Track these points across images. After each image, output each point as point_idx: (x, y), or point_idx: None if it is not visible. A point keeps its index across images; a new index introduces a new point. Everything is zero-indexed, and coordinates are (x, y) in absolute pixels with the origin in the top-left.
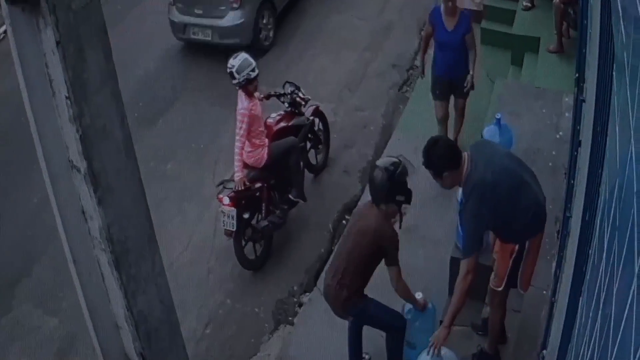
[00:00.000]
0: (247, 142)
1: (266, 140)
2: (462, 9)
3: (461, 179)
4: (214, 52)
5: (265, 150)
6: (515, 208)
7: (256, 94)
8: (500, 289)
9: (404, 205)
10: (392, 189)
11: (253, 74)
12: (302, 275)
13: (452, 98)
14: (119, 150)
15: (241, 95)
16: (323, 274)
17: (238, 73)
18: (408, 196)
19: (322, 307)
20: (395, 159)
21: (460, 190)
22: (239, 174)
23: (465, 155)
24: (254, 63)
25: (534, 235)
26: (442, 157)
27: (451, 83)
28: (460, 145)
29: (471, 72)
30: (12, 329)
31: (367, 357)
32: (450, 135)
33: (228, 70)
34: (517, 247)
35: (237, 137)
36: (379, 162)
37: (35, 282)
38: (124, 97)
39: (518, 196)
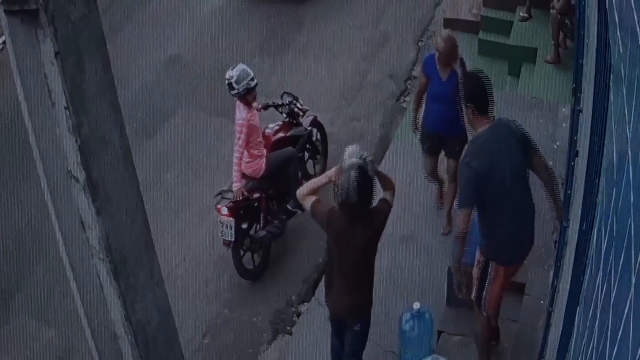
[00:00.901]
0: (245, 153)
1: (264, 150)
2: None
3: (474, 126)
4: (212, 63)
5: (264, 160)
6: (502, 203)
7: (254, 105)
8: (485, 315)
9: None
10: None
11: (252, 84)
12: (300, 285)
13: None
14: (117, 160)
15: (239, 105)
16: (321, 284)
17: (237, 83)
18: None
19: (320, 316)
20: (356, 158)
21: (457, 200)
22: (237, 185)
23: (494, 117)
24: (252, 73)
25: (515, 260)
26: (474, 90)
27: (443, 140)
28: (452, 216)
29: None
30: (8, 340)
31: None
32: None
33: (226, 81)
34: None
35: (236, 148)
36: (351, 165)
37: (31, 293)
38: (123, 108)
39: (507, 193)
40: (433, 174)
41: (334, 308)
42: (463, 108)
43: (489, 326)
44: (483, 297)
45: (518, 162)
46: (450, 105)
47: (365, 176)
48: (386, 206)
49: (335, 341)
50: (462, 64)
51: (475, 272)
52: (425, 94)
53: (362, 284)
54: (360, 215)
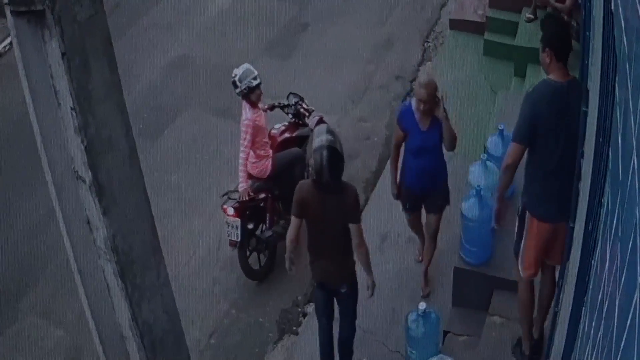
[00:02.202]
0: (251, 153)
1: (270, 151)
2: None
3: (548, 72)
4: (218, 64)
5: (270, 161)
6: (551, 157)
7: (260, 105)
8: (522, 275)
9: None
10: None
11: (255, 82)
12: (306, 286)
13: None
14: (124, 161)
15: (245, 106)
16: None
17: (240, 82)
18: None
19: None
20: (324, 135)
21: (465, 200)
22: (243, 185)
23: (568, 73)
24: (255, 72)
25: (551, 217)
26: (556, 33)
27: (424, 196)
28: (430, 277)
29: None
30: (17, 340)
31: None
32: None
33: (231, 79)
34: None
35: (242, 148)
36: (320, 144)
37: (40, 293)
38: (129, 109)
39: (558, 150)
40: (418, 230)
41: (319, 276)
42: (541, 52)
43: (530, 290)
44: (520, 253)
45: (574, 128)
46: (433, 158)
47: (334, 153)
48: (354, 192)
49: (324, 321)
50: (444, 110)
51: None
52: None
53: (342, 249)
54: (333, 190)
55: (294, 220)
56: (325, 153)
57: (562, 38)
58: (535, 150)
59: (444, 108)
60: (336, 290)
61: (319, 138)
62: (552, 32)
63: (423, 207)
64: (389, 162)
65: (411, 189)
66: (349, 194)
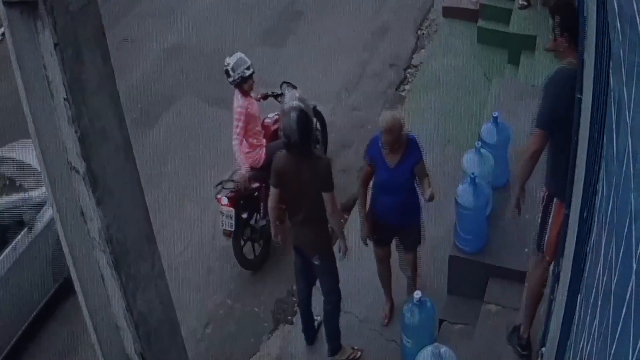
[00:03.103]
0: (244, 142)
1: (264, 140)
2: (408, 133)
3: (564, 58)
4: (213, 53)
5: (263, 150)
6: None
7: (253, 94)
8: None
9: None
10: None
11: (248, 72)
12: None
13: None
14: (117, 151)
15: (237, 94)
16: None
17: (233, 71)
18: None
19: (321, 305)
20: (295, 101)
21: (459, 187)
22: (241, 171)
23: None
24: (249, 62)
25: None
26: (572, 18)
27: (396, 230)
28: (421, 284)
29: (427, 192)
30: None
31: (318, 318)
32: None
33: (224, 68)
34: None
35: (234, 136)
36: (290, 106)
37: None
38: (122, 99)
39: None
40: (385, 260)
41: (294, 241)
42: (552, 38)
43: (545, 276)
44: (545, 239)
45: None
46: (403, 195)
47: (304, 116)
48: (327, 161)
49: (302, 284)
50: (415, 143)
51: (538, 210)
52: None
53: (315, 218)
54: (303, 153)
55: (272, 190)
56: (294, 114)
57: (577, 21)
58: (558, 137)
59: (430, 192)
60: (310, 260)
61: (290, 103)
62: (569, 16)
63: (395, 243)
64: (358, 199)
65: (381, 222)
66: (322, 163)
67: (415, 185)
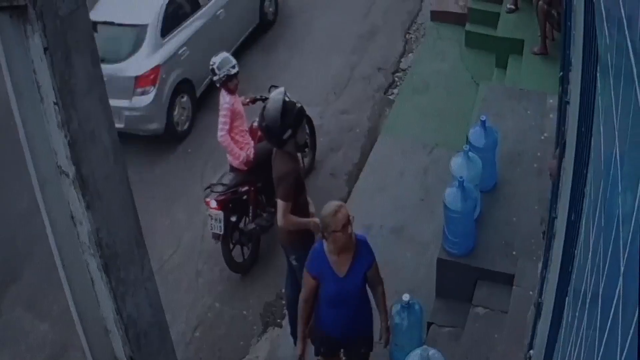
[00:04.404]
0: (231, 142)
1: (251, 140)
2: (357, 234)
3: None
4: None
5: (251, 150)
6: None
7: (241, 98)
8: None
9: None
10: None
11: (233, 71)
12: None
13: None
14: (107, 155)
15: (223, 92)
16: None
17: (219, 69)
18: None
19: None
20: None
21: (447, 191)
22: (241, 156)
23: None
24: (234, 61)
25: None
26: None
27: (344, 343)
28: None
29: (383, 323)
30: (2, 334)
31: None
32: None
33: (210, 67)
34: None
35: (221, 133)
36: (277, 94)
37: (25, 287)
38: None
39: None
40: None
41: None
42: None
43: None
44: None
45: None
46: (355, 305)
47: (283, 103)
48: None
49: (288, 287)
50: (365, 244)
51: None
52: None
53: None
54: (274, 142)
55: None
56: (273, 101)
57: None
58: None
59: (387, 324)
60: (289, 259)
61: (274, 94)
62: None
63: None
64: (298, 314)
65: (329, 335)
66: (280, 165)
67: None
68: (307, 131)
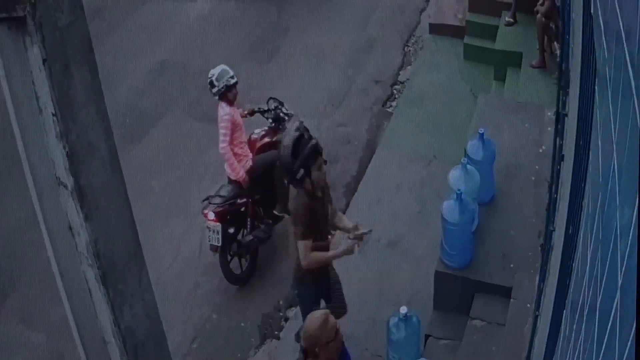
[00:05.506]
0: (232, 155)
1: (249, 152)
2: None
3: None
4: (199, 69)
5: (250, 162)
6: None
7: (240, 110)
8: None
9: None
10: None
11: (232, 81)
12: (288, 290)
13: None
14: (105, 166)
15: (222, 104)
16: None
17: (217, 81)
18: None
19: None
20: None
21: (445, 203)
22: (240, 174)
23: None
24: (232, 72)
25: None
26: None
27: None
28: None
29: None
30: None
31: None
32: None
33: (208, 79)
34: None
35: (222, 145)
36: (295, 128)
37: (21, 298)
38: (110, 114)
39: None
40: None
41: None
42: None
43: None
44: None
45: None
46: None
47: (298, 141)
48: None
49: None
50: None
51: None
52: None
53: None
54: (289, 179)
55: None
56: (289, 137)
57: None
58: None
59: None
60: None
61: (291, 126)
62: None
63: None
64: None
65: None
66: (292, 202)
67: None
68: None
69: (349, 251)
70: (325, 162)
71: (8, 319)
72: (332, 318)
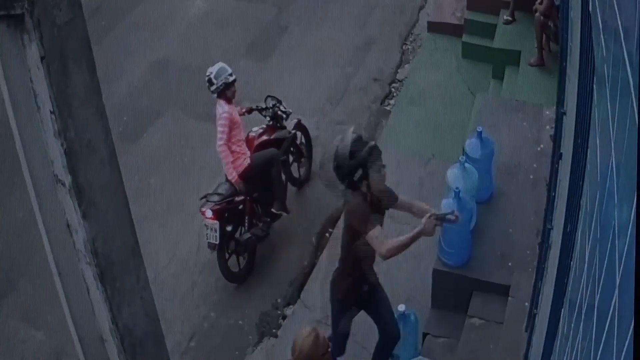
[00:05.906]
0: (229, 154)
1: (247, 150)
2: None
3: None
4: (198, 67)
5: (248, 160)
6: None
7: (237, 108)
8: None
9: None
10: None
11: (230, 78)
12: (286, 288)
13: None
14: (103, 164)
15: (220, 102)
16: (307, 287)
17: (216, 78)
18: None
19: (306, 319)
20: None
21: (444, 202)
22: (232, 175)
23: None
24: (230, 70)
25: None
26: None
27: None
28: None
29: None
30: None
31: None
32: None
33: (206, 77)
34: None
35: (220, 143)
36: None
37: (20, 296)
38: (108, 112)
39: None
40: None
41: None
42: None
43: None
44: None
45: None
46: None
47: (356, 142)
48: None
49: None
50: None
51: None
52: None
53: (341, 257)
54: (348, 183)
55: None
56: (345, 141)
57: None
58: None
59: None
60: None
61: (346, 134)
62: None
63: None
64: None
65: None
66: (352, 203)
67: None
68: (303, 141)
69: (428, 232)
70: (384, 165)
71: (7, 317)
72: (320, 330)
